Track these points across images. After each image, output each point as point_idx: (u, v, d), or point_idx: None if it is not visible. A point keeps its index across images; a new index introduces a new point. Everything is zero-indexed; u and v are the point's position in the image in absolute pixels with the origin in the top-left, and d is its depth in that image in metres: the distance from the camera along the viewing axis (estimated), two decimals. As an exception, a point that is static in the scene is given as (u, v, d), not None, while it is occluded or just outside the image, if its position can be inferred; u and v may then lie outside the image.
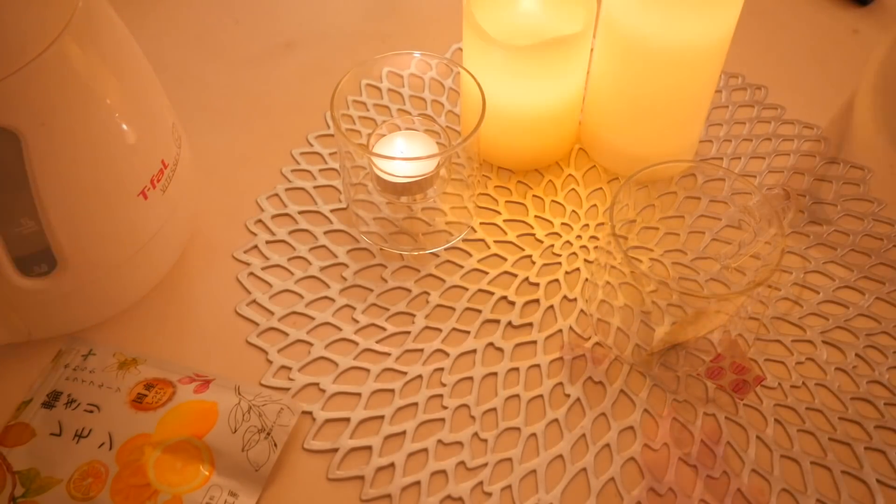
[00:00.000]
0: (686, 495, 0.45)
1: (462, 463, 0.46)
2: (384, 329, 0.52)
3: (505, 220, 0.58)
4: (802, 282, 0.54)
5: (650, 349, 0.46)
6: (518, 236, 0.57)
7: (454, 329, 0.52)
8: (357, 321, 0.52)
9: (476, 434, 0.48)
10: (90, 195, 0.44)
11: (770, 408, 0.49)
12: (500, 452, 0.47)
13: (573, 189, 0.59)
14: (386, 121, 0.63)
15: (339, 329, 0.52)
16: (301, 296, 0.53)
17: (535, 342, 0.51)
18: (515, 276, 0.55)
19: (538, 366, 0.50)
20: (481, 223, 0.57)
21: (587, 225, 0.57)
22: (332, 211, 0.58)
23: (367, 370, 0.50)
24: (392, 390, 0.49)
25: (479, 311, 0.53)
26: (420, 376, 0.50)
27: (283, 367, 0.50)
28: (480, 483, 0.46)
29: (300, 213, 0.58)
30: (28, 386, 0.48)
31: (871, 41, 0.32)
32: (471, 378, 0.50)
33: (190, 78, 0.67)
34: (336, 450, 0.47)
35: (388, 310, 0.53)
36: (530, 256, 0.56)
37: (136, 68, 0.47)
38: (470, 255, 0.56)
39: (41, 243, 0.43)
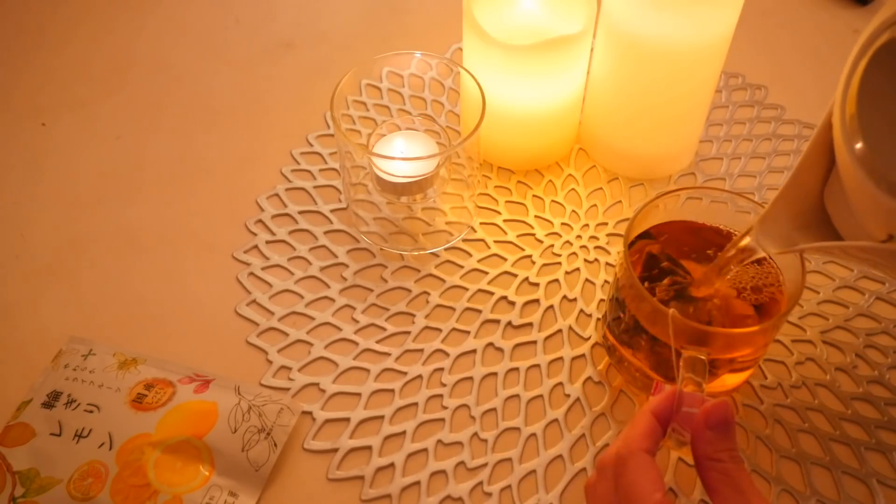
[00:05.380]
0: (686, 495, 0.45)
1: (462, 463, 0.46)
2: (384, 329, 0.52)
3: (505, 220, 0.58)
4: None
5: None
6: (518, 236, 0.57)
7: (454, 329, 0.52)
8: (357, 321, 0.52)
9: (476, 434, 0.47)
10: None
11: (770, 408, 0.49)
12: (499, 453, 0.47)
13: (573, 189, 0.59)
14: (386, 121, 0.63)
15: (339, 329, 0.52)
16: (301, 296, 0.53)
17: (535, 342, 0.51)
18: (515, 276, 0.55)
19: (538, 366, 0.50)
20: (481, 223, 0.57)
21: (587, 225, 0.57)
22: (332, 211, 0.58)
23: (367, 370, 0.50)
24: (392, 390, 0.49)
25: (479, 311, 0.53)
26: (420, 376, 0.50)
27: (283, 367, 0.50)
28: (480, 483, 0.46)
29: (300, 213, 0.58)
30: (28, 386, 0.48)
31: (872, 41, 0.32)
32: (471, 378, 0.50)
33: (190, 78, 0.67)
34: (336, 450, 0.47)
35: (388, 310, 0.53)
36: (530, 256, 0.56)
37: None
38: (470, 255, 0.56)
39: None
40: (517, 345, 0.51)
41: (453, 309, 0.53)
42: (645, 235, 0.47)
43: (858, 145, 0.31)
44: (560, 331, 0.52)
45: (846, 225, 0.36)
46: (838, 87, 0.32)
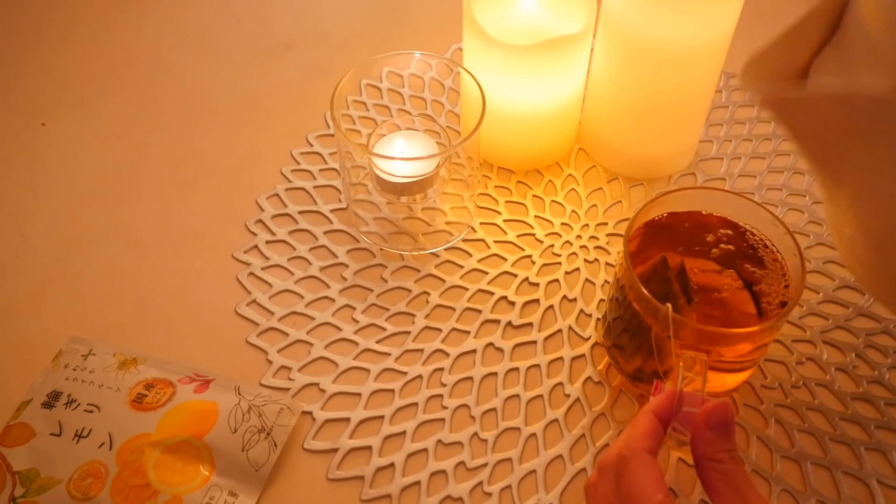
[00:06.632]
0: (686, 495, 0.45)
1: (462, 463, 0.46)
2: (384, 329, 0.52)
3: (505, 220, 0.58)
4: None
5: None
6: (518, 236, 0.57)
7: (454, 329, 0.52)
8: (357, 321, 0.52)
9: (476, 434, 0.47)
10: None
11: (770, 408, 0.49)
12: (499, 452, 0.47)
13: (573, 189, 0.59)
14: (386, 121, 0.63)
15: (339, 329, 0.52)
16: (301, 296, 0.53)
17: (534, 342, 0.51)
18: (515, 276, 0.55)
19: (538, 366, 0.50)
20: (481, 223, 0.57)
21: (587, 225, 0.57)
22: (332, 211, 0.58)
23: (367, 370, 0.50)
24: (392, 390, 0.49)
25: (479, 311, 0.53)
26: (420, 376, 0.50)
27: (283, 367, 0.50)
28: (480, 483, 0.46)
29: (300, 213, 0.58)
30: (28, 386, 0.48)
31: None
32: (471, 378, 0.50)
33: (190, 78, 0.67)
34: (336, 450, 0.47)
35: (388, 310, 0.53)
36: (530, 256, 0.56)
37: None
38: (470, 255, 0.56)
39: None
40: (517, 345, 0.51)
41: (453, 309, 0.53)
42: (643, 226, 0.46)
43: None
44: (560, 331, 0.52)
45: None
46: None
